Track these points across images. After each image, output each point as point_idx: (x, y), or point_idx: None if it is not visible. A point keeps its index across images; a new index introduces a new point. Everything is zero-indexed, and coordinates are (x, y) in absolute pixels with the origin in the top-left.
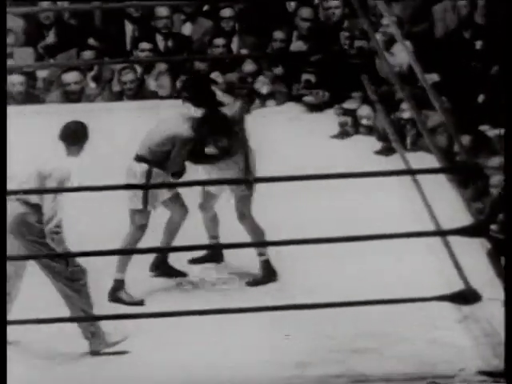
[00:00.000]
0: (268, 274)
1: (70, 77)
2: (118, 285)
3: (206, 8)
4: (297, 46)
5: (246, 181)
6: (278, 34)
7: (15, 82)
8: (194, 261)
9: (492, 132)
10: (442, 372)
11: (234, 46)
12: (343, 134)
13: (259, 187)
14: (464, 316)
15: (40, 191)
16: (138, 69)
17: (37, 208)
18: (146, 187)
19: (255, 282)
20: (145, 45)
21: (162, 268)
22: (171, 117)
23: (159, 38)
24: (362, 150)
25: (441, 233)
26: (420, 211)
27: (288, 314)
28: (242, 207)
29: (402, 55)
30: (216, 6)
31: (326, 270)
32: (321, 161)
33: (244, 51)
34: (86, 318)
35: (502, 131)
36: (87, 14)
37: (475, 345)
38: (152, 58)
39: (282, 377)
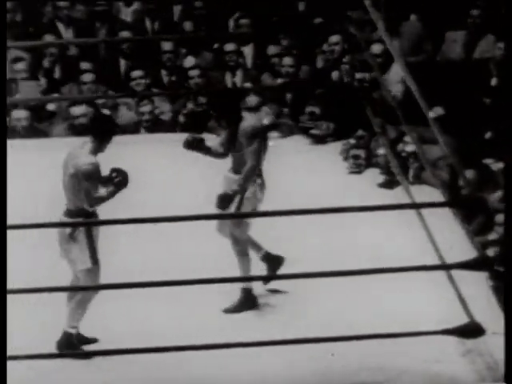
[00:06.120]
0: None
1: (78, 110)
2: None
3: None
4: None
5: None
6: (288, 61)
7: (19, 116)
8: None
9: (496, 166)
10: None
11: (238, 79)
12: (358, 167)
13: (274, 221)
14: (467, 350)
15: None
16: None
17: None
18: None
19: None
20: (137, 73)
21: None
22: None
23: (164, 73)
24: (366, 183)
25: (445, 266)
26: (424, 245)
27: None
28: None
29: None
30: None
31: (333, 303)
32: (326, 195)
33: (247, 84)
34: None
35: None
36: (90, 48)
37: (478, 379)
38: (153, 92)
39: None
